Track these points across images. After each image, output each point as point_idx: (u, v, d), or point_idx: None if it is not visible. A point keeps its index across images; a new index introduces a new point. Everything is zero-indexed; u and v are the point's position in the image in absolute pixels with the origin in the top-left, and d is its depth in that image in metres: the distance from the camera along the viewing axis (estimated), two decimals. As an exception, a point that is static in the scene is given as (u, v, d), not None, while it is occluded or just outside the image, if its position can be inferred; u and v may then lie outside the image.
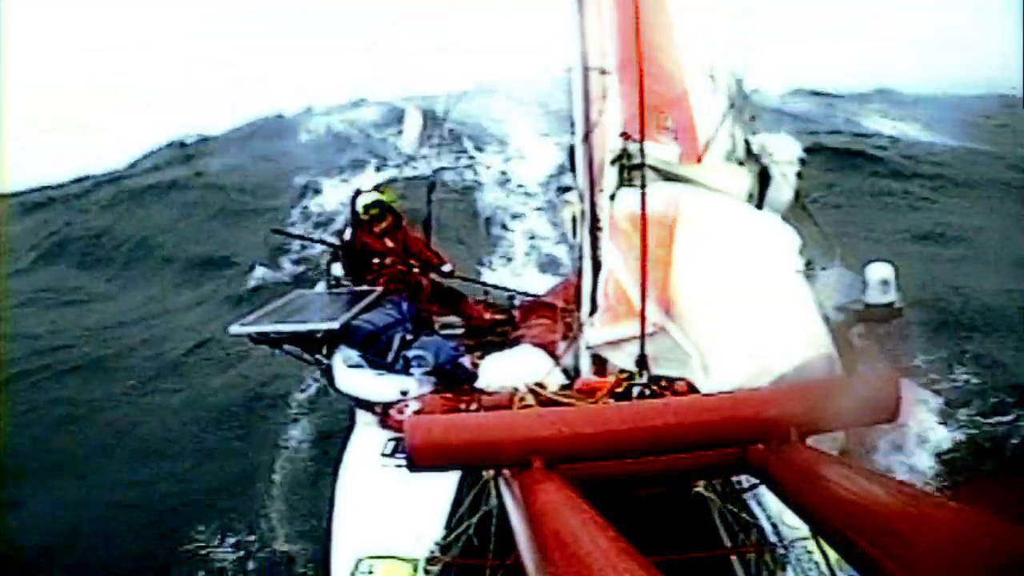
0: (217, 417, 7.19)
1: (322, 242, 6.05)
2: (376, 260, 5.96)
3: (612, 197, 3.46)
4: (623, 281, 2.82)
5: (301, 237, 6.03)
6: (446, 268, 6.34)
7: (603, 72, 3.69)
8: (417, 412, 4.52)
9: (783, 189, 3.91)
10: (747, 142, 3.98)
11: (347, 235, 6.07)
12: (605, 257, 3.35)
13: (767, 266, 2.74)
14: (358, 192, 6.06)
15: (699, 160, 3.68)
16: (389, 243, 6.02)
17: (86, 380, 7.99)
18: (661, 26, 3.65)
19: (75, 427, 7.07)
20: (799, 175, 3.52)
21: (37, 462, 6.46)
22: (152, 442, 6.81)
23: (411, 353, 5.15)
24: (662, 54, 3.58)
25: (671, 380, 2.83)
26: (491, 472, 2.19)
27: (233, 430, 7.03)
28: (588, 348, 3.06)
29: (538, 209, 11.87)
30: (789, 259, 2.74)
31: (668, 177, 3.42)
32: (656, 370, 2.72)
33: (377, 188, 6.12)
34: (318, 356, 5.22)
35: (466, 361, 5.14)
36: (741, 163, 3.85)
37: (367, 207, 5.93)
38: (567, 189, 5.56)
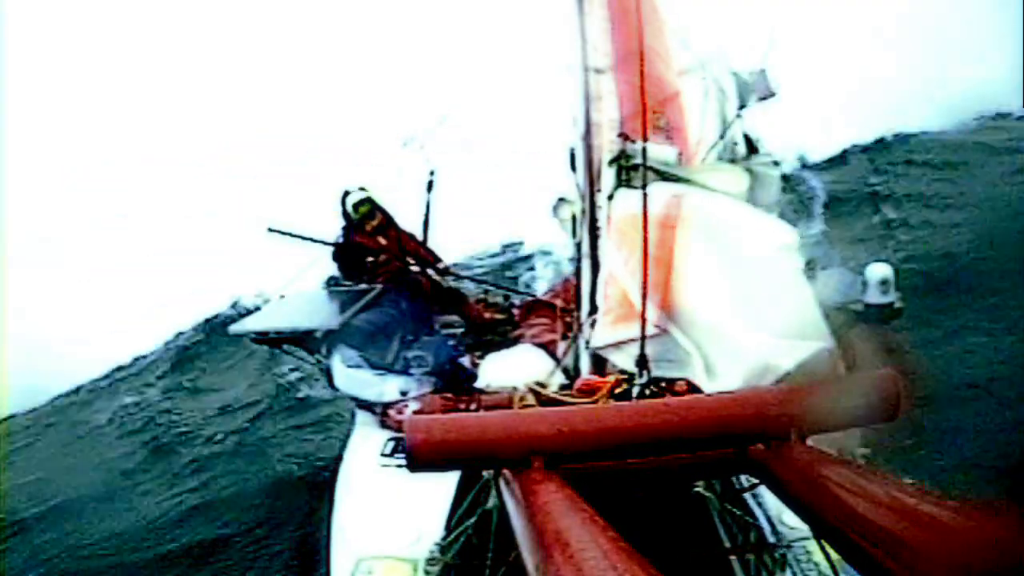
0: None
1: (321, 241, 6.02)
2: (371, 259, 5.92)
3: (610, 197, 3.47)
4: (624, 283, 2.82)
5: (296, 236, 6.00)
6: (442, 265, 6.32)
7: (597, 72, 3.70)
8: (417, 412, 4.53)
9: (770, 187, 3.94)
10: (745, 138, 4.00)
11: (339, 236, 6.01)
12: (605, 258, 3.36)
13: (767, 264, 2.74)
14: (346, 193, 5.99)
15: (693, 159, 3.69)
16: (382, 240, 5.97)
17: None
18: (652, 25, 3.65)
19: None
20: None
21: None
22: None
23: (411, 353, 5.16)
24: (653, 54, 3.58)
25: (671, 380, 2.83)
26: (491, 472, 2.19)
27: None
28: (591, 350, 3.06)
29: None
30: (788, 256, 2.74)
31: (666, 177, 3.42)
32: (657, 371, 2.72)
33: (362, 188, 6.05)
34: (318, 356, 5.23)
35: (466, 361, 5.16)
36: (734, 161, 3.86)
37: (356, 205, 5.87)
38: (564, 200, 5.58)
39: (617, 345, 2.75)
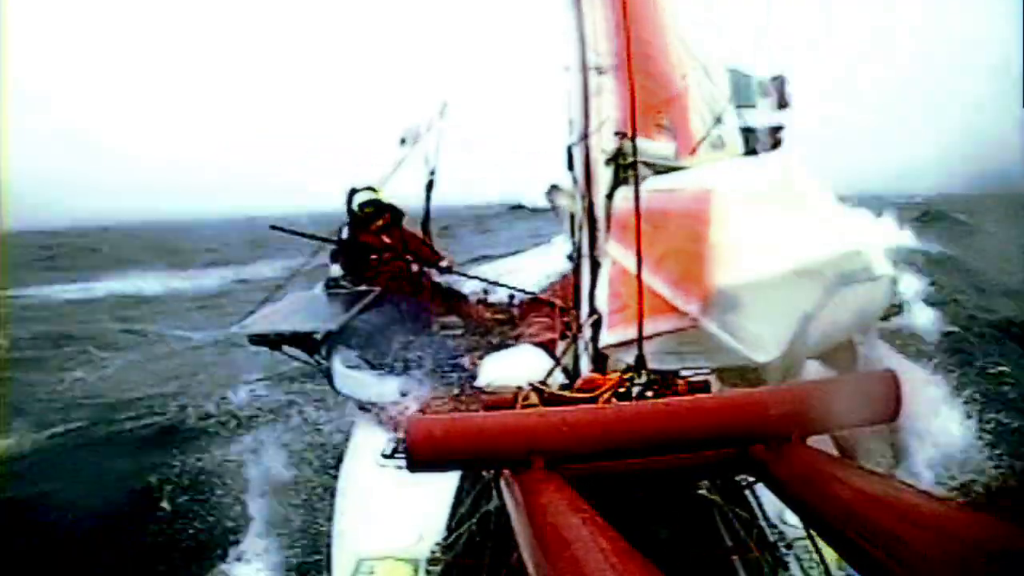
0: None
1: (323, 239, 6.04)
2: (375, 256, 5.97)
3: (609, 196, 3.46)
4: (649, 280, 2.70)
5: (300, 234, 6.03)
6: (443, 264, 6.35)
7: (599, 71, 3.69)
8: (417, 412, 4.53)
9: None
10: (744, 133, 4.00)
11: (344, 234, 6.06)
12: (607, 256, 3.34)
13: (788, 187, 2.59)
14: (353, 191, 6.05)
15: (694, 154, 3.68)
16: (387, 240, 6.03)
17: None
18: (655, 25, 3.64)
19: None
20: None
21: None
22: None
23: (410, 354, 5.17)
24: (656, 53, 3.58)
25: (668, 380, 2.80)
26: (491, 472, 2.18)
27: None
28: (601, 348, 3.02)
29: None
30: (800, 168, 2.61)
31: (663, 172, 3.40)
32: (683, 362, 2.66)
33: (370, 188, 6.11)
34: (317, 357, 5.23)
35: (465, 361, 5.16)
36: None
37: (362, 205, 5.94)
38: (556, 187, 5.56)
39: (633, 342, 2.68)
